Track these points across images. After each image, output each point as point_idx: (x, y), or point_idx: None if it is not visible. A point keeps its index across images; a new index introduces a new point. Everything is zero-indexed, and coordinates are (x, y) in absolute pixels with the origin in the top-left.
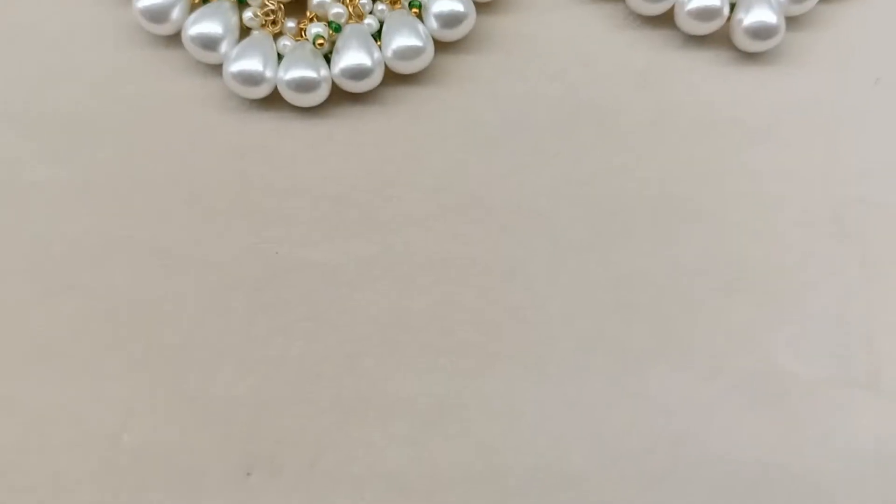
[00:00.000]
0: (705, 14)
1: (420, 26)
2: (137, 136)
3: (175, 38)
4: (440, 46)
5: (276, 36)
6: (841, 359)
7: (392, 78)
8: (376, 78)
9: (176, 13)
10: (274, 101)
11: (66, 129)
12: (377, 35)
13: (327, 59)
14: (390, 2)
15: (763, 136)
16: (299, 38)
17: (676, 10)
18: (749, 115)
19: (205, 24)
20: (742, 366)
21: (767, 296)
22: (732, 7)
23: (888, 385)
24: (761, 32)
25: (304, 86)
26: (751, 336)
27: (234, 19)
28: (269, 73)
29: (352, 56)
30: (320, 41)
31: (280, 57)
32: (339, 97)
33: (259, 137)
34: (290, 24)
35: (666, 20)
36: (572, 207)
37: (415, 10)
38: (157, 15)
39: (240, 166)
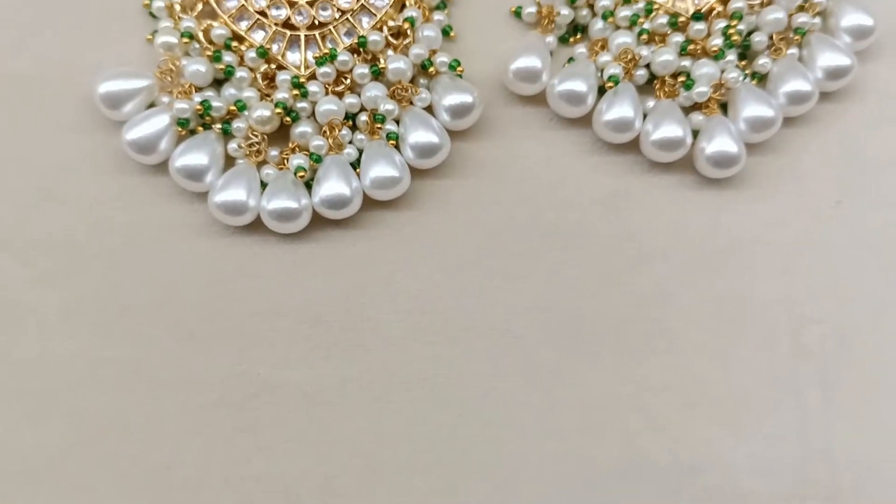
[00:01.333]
0: (669, 144)
1: (397, 157)
2: (125, 260)
3: (163, 165)
4: (417, 171)
5: (260, 164)
6: (800, 475)
7: (371, 202)
8: (355, 206)
9: (163, 144)
10: (257, 225)
11: (57, 253)
12: (357, 163)
13: (309, 185)
14: (369, 132)
15: (725, 259)
16: (282, 166)
17: (641, 138)
18: (712, 239)
19: (191, 156)
20: (704, 483)
21: (728, 414)
22: (696, 133)
23: (846, 501)
24: (722, 162)
25: (285, 216)
26: (712, 453)
27: (220, 149)
28: (252, 203)
29: (331, 186)
30: (301, 173)
31: (263, 185)
32: (320, 220)
33: (242, 261)
34: (274, 152)
35: (632, 145)
36: (542, 328)
37: (392, 142)
38: (145, 147)
39: (224, 290)
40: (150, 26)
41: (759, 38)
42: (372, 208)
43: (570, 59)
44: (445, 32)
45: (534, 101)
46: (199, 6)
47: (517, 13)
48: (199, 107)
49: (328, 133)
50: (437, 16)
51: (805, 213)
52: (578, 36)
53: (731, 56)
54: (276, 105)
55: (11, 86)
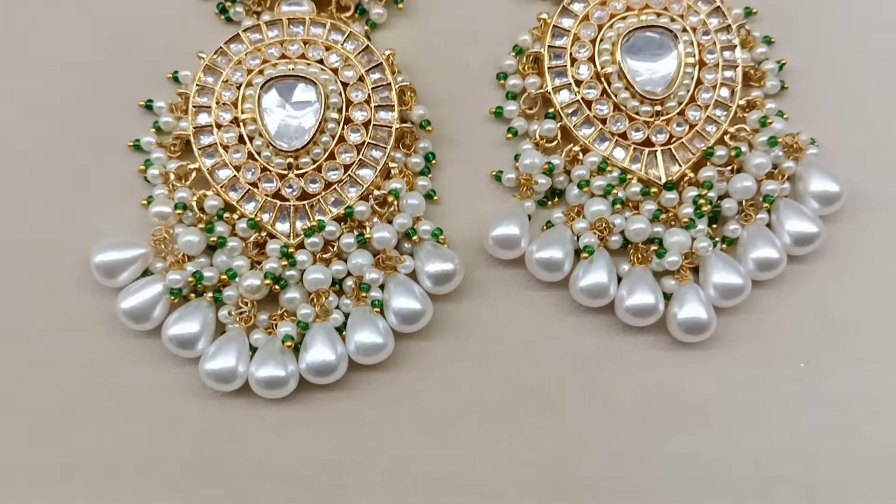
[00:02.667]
0: (642, 312)
1: (381, 323)
2: (118, 421)
3: (156, 329)
4: (401, 333)
5: (249, 329)
6: None
7: (357, 362)
8: (340, 372)
9: (156, 312)
10: (247, 386)
11: (52, 414)
12: (343, 326)
13: (297, 347)
14: (355, 298)
15: (697, 418)
16: (271, 331)
17: (616, 303)
18: (685, 398)
19: (183, 325)
20: None
21: None
22: (670, 296)
23: None
24: (693, 328)
25: (273, 384)
26: None
27: (211, 316)
28: (241, 369)
29: (317, 352)
30: (289, 342)
31: (253, 348)
32: (307, 382)
33: (231, 423)
34: (263, 316)
35: (608, 305)
36: (522, 488)
37: (376, 309)
38: (139, 315)
39: (213, 450)
40: (145, 190)
41: (728, 205)
42: (357, 369)
43: (548, 223)
44: (429, 196)
45: (513, 263)
46: (193, 174)
47: (497, 177)
48: (191, 278)
49: (315, 300)
50: (422, 181)
51: (774, 373)
52: (556, 200)
53: (702, 225)
54: (266, 276)
55: (8, 250)
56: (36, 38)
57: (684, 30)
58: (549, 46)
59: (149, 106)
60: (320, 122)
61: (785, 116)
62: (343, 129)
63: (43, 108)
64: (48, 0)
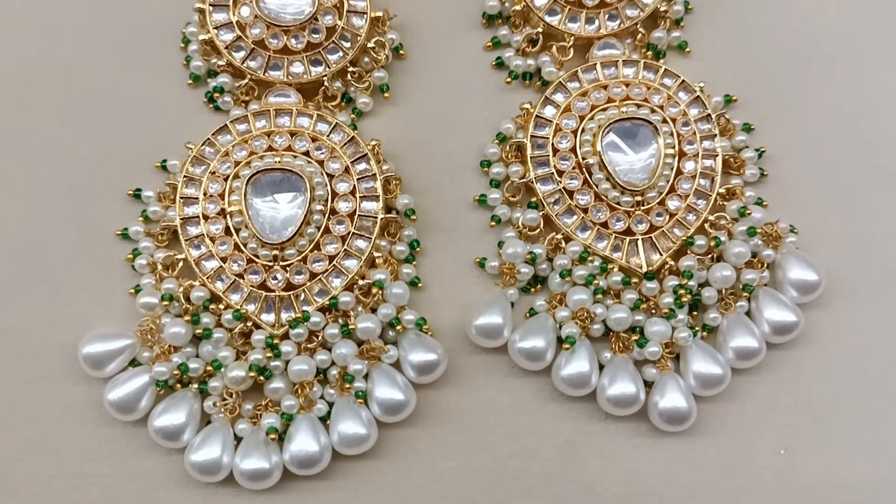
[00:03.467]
0: (623, 402)
1: (364, 413)
2: None
3: (143, 418)
4: (385, 423)
5: (234, 418)
6: None
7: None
8: (324, 463)
9: (143, 402)
10: (232, 476)
11: (39, 503)
12: (327, 416)
13: (282, 437)
14: (339, 388)
15: None
16: (255, 421)
17: (598, 392)
18: (665, 486)
19: (168, 416)
20: None
21: None
22: (652, 383)
23: None
24: (674, 418)
25: (257, 476)
26: None
27: (196, 406)
28: (226, 460)
29: (301, 443)
30: (272, 435)
31: (237, 437)
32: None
33: None
34: (248, 406)
35: (590, 394)
36: None
37: (360, 400)
38: (126, 407)
39: None
40: (133, 279)
41: (709, 294)
42: (342, 458)
43: (531, 311)
44: (414, 284)
45: (497, 349)
46: (180, 264)
47: (481, 264)
48: (177, 371)
49: (300, 391)
50: (406, 269)
51: (754, 461)
52: (539, 287)
53: (682, 315)
54: (251, 367)
55: None
56: (25, 125)
57: (664, 121)
58: (532, 136)
59: (137, 195)
60: (306, 215)
61: (764, 204)
62: (328, 220)
63: (32, 195)
64: (38, 86)
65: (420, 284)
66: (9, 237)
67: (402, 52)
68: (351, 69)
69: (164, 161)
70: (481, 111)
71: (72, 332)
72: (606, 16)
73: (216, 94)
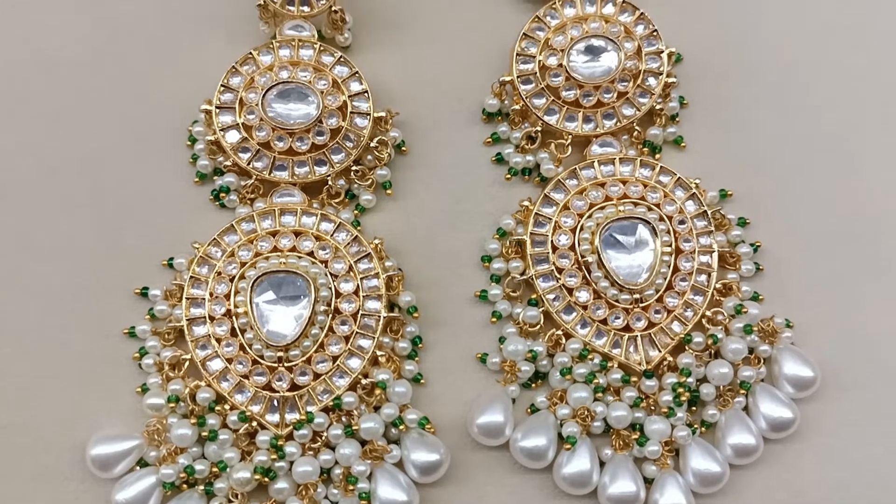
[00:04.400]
0: (624, 500)
1: None
2: None
3: None
4: None
5: None
6: None
7: None
8: None
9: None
10: None
11: None
12: None
13: None
14: (343, 488)
15: None
16: None
17: (599, 490)
18: None
19: None
20: None
21: None
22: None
23: None
24: None
25: None
26: None
27: None
28: None
29: None
30: None
31: None
32: None
33: None
34: None
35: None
36: None
37: (363, 501)
38: None
39: None
40: (140, 377)
41: (707, 390)
42: None
43: (532, 407)
44: (416, 380)
45: (499, 446)
46: (186, 363)
47: (483, 360)
48: (183, 473)
49: (304, 492)
50: (409, 365)
51: None
52: (540, 382)
53: (681, 413)
54: (256, 469)
55: (6, 435)
56: (34, 222)
57: (661, 218)
58: (532, 233)
59: (144, 293)
60: (310, 316)
61: (760, 298)
62: (332, 320)
63: (40, 291)
64: (46, 183)
65: (422, 381)
66: (16, 333)
67: (404, 148)
68: (354, 168)
69: (171, 259)
70: (482, 205)
71: (80, 430)
72: (603, 115)
73: (222, 194)
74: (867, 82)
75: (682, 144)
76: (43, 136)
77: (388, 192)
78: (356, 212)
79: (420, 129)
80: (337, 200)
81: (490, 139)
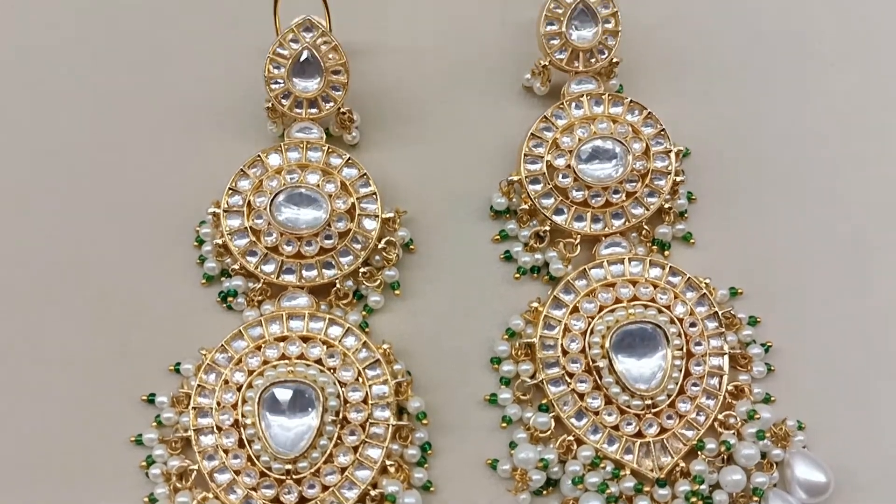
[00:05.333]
0: None
1: None
2: None
3: None
4: None
5: None
6: None
7: None
8: None
9: None
10: None
11: None
12: None
13: None
14: None
15: None
16: None
17: None
18: None
19: None
20: None
21: None
22: None
23: None
24: None
25: None
26: None
27: None
28: None
29: None
30: None
31: None
32: None
33: None
34: None
35: None
36: None
37: None
38: None
39: None
40: (147, 486)
41: (720, 497)
42: None
43: None
44: (426, 488)
45: None
46: (194, 474)
47: (493, 465)
48: None
49: None
50: (418, 473)
51: None
52: (551, 489)
53: None
54: None
55: None
56: (40, 328)
57: (672, 321)
58: (541, 336)
59: (151, 400)
60: (319, 427)
61: (772, 400)
62: (341, 429)
63: (45, 398)
64: (52, 287)
65: (432, 488)
66: (22, 440)
67: (412, 246)
68: (362, 270)
69: (178, 364)
70: (491, 304)
71: None
72: (612, 215)
73: (230, 297)
74: (880, 175)
75: (692, 241)
76: (49, 240)
77: (397, 292)
78: (364, 313)
79: (428, 227)
80: (345, 302)
81: (498, 236)
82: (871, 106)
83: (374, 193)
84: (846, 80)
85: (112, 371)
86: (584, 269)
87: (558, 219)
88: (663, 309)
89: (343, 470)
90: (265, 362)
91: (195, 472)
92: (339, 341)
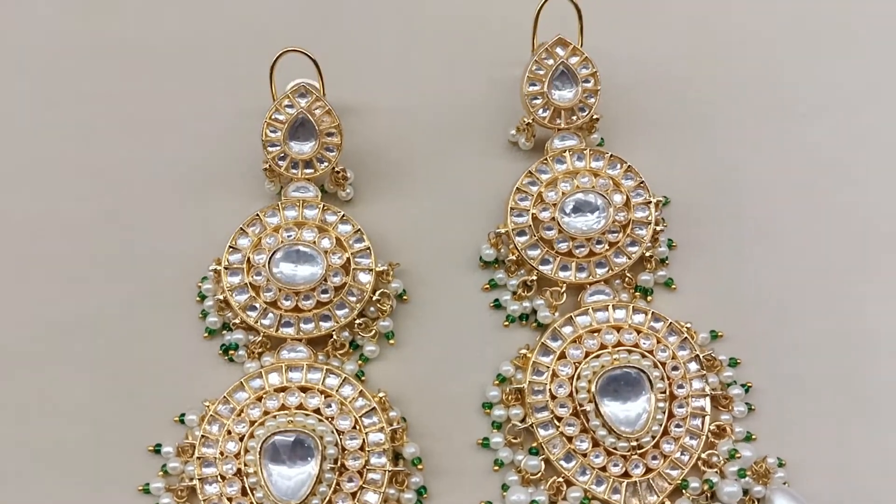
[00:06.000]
0: None
1: None
2: None
3: None
4: None
5: None
6: None
7: None
8: None
9: None
10: None
11: None
12: None
13: None
14: None
15: None
16: None
17: None
18: None
19: None
20: None
21: None
22: None
23: None
24: None
25: None
26: None
27: None
28: None
29: None
30: None
31: None
32: None
33: None
34: None
35: None
36: None
37: None
38: None
39: None
40: None
41: None
42: None
43: None
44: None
45: None
46: None
47: None
48: None
49: None
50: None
51: None
52: None
53: None
54: None
55: None
56: (45, 382)
57: (655, 365)
58: (530, 381)
59: (157, 450)
60: (318, 475)
61: (753, 438)
62: (339, 476)
63: (53, 450)
64: (57, 340)
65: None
66: (30, 492)
67: (405, 298)
68: (358, 321)
69: (183, 415)
70: (482, 351)
71: None
72: (595, 264)
73: (231, 351)
74: (854, 220)
75: (673, 286)
76: (55, 294)
77: (391, 341)
78: (360, 362)
79: (420, 278)
80: (342, 352)
81: (488, 285)
82: (842, 154)
83: (368, 248)
84: (816, 130)
85: (119, 422)
86: (571, 316)
87: (544, 269)
88: (646, 354)
89: None
90: (266, 413)
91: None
92: (337, 391)
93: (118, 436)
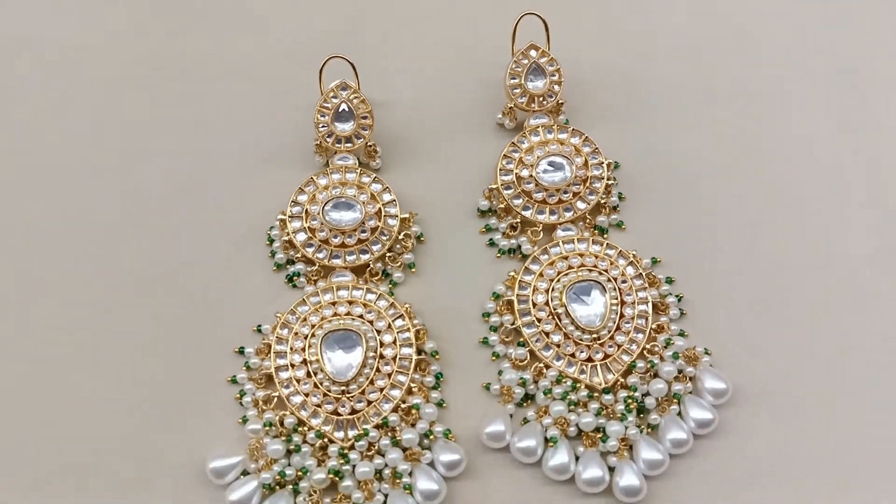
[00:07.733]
0: (594, 482)
1: (411, 500)
2: None
3: None
4: None
5: None
6: None
7: None
8: None
9: (254, 500)
10: None
11: None
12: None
13: None
14: (392, 483)
15: None
16: None
17: (576, 477)
18: None
19: None
20: None
21: None
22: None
23: None
24: (631, 493)
25: None
26: None
27: (292, 501)
28: None
29: None
30: None
31: None
32: None
33: None
34: (328, 500)
35: (570, 479)
36: None
37: (407, 490)
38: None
39: None
40: (241, 411)
41: (649, 401)
42: None
43: (524, 420)
44: (440, 405)
45: (502, 449)
46: (275, 399)
47: (487, 388)
48: (277, 477)
49: (364, 487)
50: (434, 394)
51: None
52: (529, 402)
53: (632, 417)
54: (329, 471)
55: (141, 458)
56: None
57: (609, 280)
58: (518, 295)
59: (241, 351)
60: (363, 360)
61: (685, 334)
62: (378, 362)
63: (163, 357)
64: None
65: (444, 405)
66: (140, 382)
67: (422, 238)
68: (388, 254)
69: (259, 326)
70: (481, 277)
71: (199, 452)
72: (564, 209)
73: (294, 278)
74: (765, 165)
75: (623, 227)
76: (152, 247)
77: (413, 270)
78: (390, 285)
79: (433, 224)
80: (376, 278)
81: (484, 229)
82: (749, 126)
83: (394, 201)
84: (730, 111)
85: (212, 334)
86: (546, 247)
87: (526, 213)
88: (602, 272)
89: (381, 390)
90: (322, 318)
91: (276, 398)
92: (374, 303)
93: (211, 343)
